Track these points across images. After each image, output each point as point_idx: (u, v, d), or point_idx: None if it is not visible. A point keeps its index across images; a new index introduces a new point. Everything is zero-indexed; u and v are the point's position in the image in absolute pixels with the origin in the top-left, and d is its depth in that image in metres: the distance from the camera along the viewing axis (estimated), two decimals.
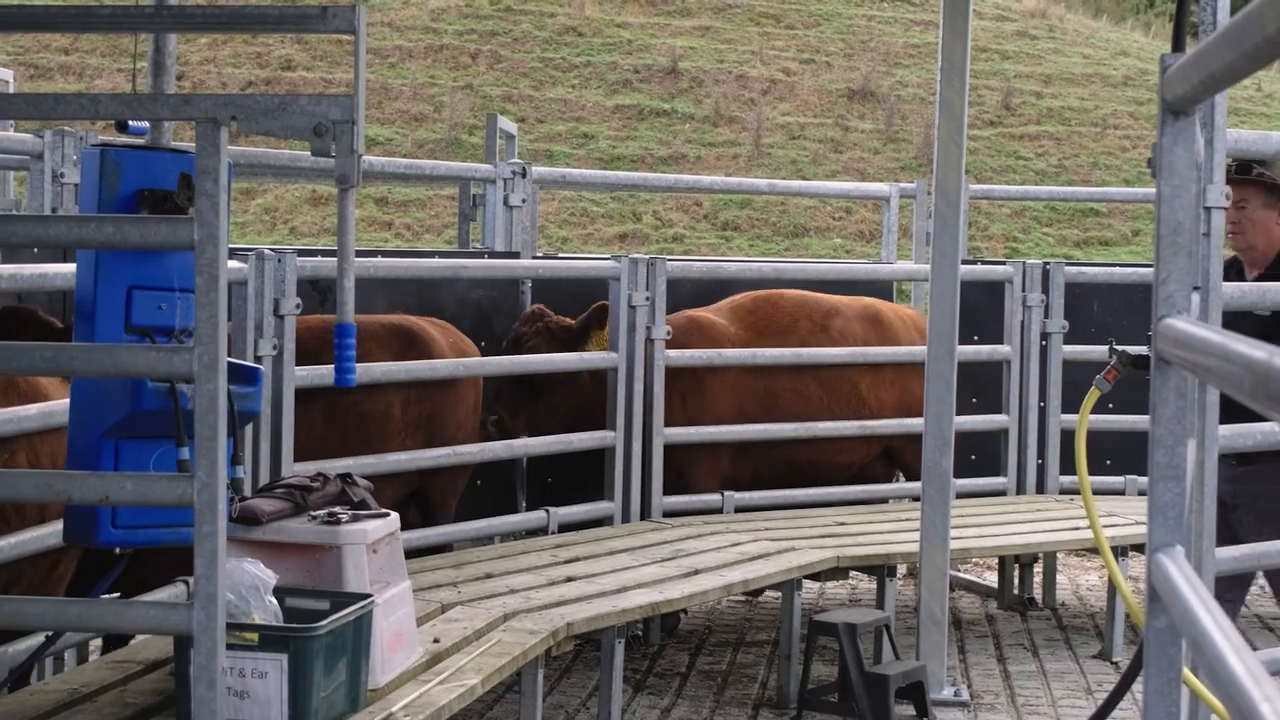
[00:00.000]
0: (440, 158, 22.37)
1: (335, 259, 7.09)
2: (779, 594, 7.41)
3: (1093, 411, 5.69)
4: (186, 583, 6.01)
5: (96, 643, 6.63)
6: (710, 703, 7.21)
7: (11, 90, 13.08)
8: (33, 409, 5.11)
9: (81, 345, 4.40)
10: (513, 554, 7.10)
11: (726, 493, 8.43)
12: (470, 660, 5.24)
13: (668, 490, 8.16)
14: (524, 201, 8.68)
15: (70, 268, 5.22)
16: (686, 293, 8.69)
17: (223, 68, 27.51)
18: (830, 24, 31.31)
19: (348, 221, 4.18)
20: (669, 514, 8.13)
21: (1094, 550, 9.14)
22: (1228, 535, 5.55)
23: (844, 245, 24.13)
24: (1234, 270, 6.06)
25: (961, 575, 9.64)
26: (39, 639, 5.05)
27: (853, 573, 8.40)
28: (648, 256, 8.09)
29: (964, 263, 7.98)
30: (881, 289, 9.58)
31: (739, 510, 8.42)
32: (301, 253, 6.77)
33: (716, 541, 7.57)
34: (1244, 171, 6.00)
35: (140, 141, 4.74)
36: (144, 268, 4.57)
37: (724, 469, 8.48)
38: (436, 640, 5.39)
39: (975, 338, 9.20)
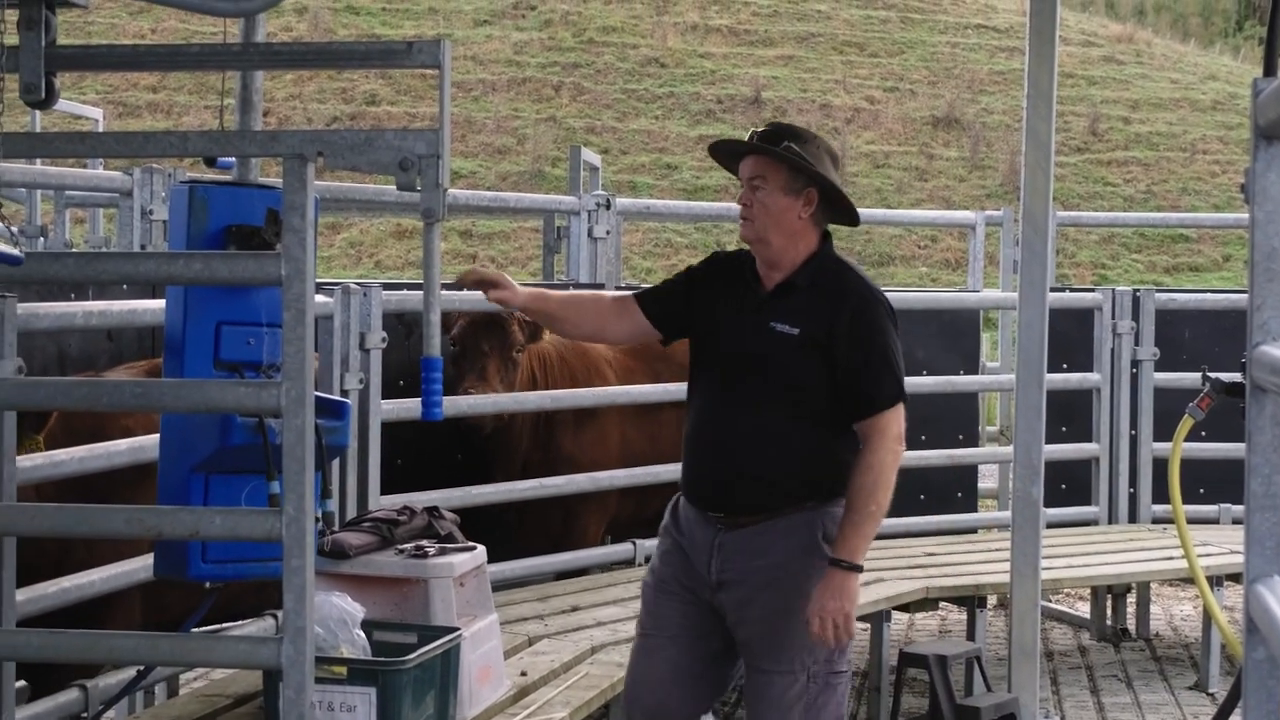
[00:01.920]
0: (523, 190, 22.47)
1: (421, 293, 7.16)
2: (866, 625, 7.36)
3: (1186, 439, 5.61)
4: (275, 616, 6.04)
5: (187, 675, 6.67)
6: None
7: (100, 128, 13.26)
8: (123, 445, 5.16)
9: (171, 381, 4.43)
10: (599, 586, 7.09)
11: None
12: (558, 693, 5.23)
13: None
14: (608, 233, 8.69)
15: (159, 304, 5.26)
16: None
17: (308, 103, 27.78)
18: (914, 51, 31.22)
19: (434, 255, 4.19)
20: None
21: (1188, 580, 9.00)
22: None
23: (929, 274, 24.03)
24: (748, 271, 4.85)
25: (1053, 606, 9.54)
26: (131, 672, 5.08)
27: (942, 603, 8.32)
28: None
29: (1052, 290, 7.91)
30: (968, 317, 9.52)
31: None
32: (387, 286, 6.80)
33: None
34: (768, 140, 4.78)
35: (227, 177, 4.78)
36: (232, 303, 4.60)
37: (611, 511, 7.78)
38: (524, 673, 5.39)
39: (1064, 366, 9.11)
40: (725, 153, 4.93)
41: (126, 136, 4.38)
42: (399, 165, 4.06)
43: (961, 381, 8.87)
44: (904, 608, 7.40)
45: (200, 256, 4.26)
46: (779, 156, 4.70)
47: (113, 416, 5.25)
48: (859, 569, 4.69)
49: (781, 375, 4.70)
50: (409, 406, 6.67)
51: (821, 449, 4.72)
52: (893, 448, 4.67)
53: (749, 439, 4.71)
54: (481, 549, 5.15)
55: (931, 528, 8.84)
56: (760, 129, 4.85)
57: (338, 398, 5.52)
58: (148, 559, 5.03)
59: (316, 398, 4.13)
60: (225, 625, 5.60)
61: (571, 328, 5.12)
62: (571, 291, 5.18)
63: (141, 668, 4.98)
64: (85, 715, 5.06)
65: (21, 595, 4.58)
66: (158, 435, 4.82)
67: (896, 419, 4.69)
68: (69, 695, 5.04)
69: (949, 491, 9.22)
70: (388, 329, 6.60)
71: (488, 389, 6.94)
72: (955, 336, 9.29)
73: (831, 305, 4.70)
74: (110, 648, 4.38)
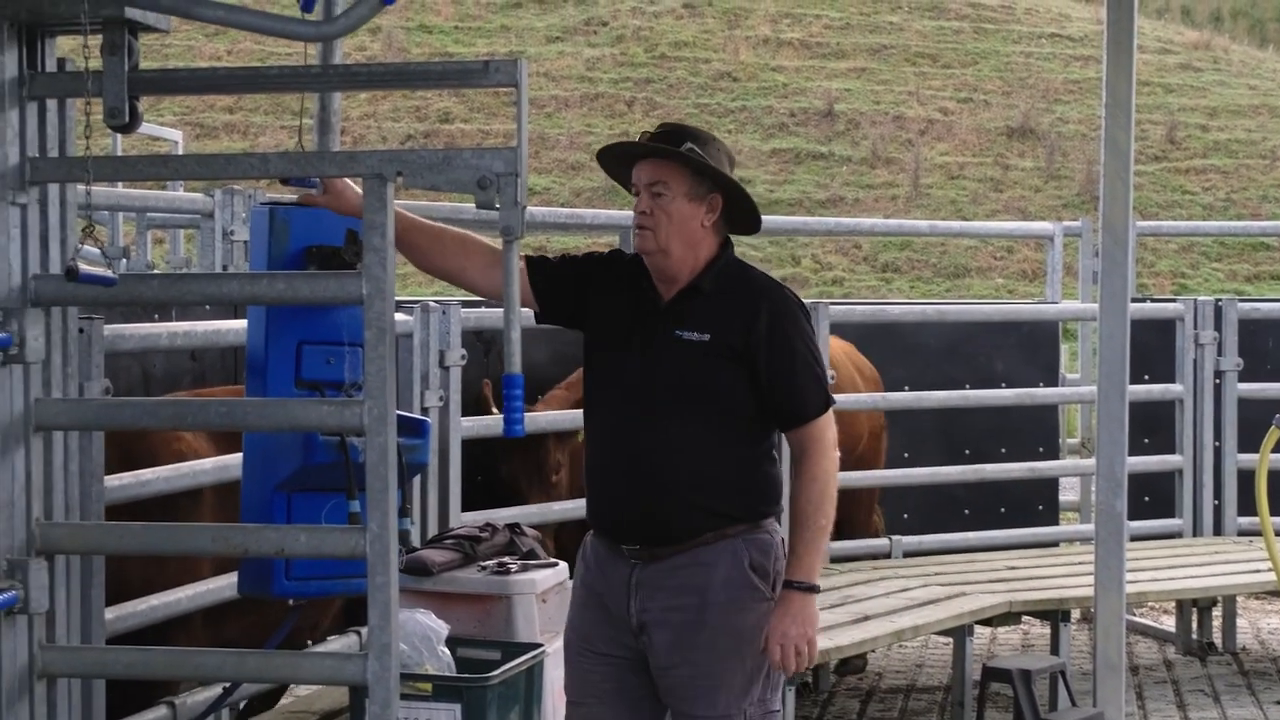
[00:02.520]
0: (597, 206, 22.52)
1: (497, 310, 7.17)
2: (949, 639, 7.32)
3: (1273, 450, 5.55)
4: (359, 633, 6.08)
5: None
6: None
7: (180, 150, 13.40)
8: (208, 463, 5.20)
9: (255, 400, 4.47)
10: None
11: (895, 537, 8.36)
12: None
13: None
14: None
15: (242, 324, 5.31)
16: (849, 337, 8.64)
17: (382, 122, 27.96)
18: (988, 62, 31.09)
19: (513, 273, 4.20)
20: (834, 560, 8.06)
21: (1275, 593, 8.92)
22: None
23: (1006, 285, 23.89)
24: (645, 279, 4.49)
25: (1138, 620, 9.45)
26: (217, 689, 5.12)
27: (1024, 617, 8.26)
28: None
29: (1133, 301, 7.85)
30: (1048, 329, 9.45)
31: (906, 555, 8.34)
32: (464, 304, 6.83)
33: (885, 587, 7.50)
34: (666, 142, 4.40)
35: (300, 193, 4.81)
36: (313, 323, 4.64)
37: None
38: None
39: (1145, 377, 9.03)
40: (615, 157, 4.56)
41: (209, 159, 4.44)
42: (478, 184, 4.07)
43: (1042, 394, 8.82)
44: (986, 622, 7.36)
45: (283, 277, 4.30)
46: (682, 159, 4.35)
47: (164, 439, 5.26)
48: (816, 589, 4.33)
49: (693, 386, 4.34)
50: (488, 423, 6.70)
51: (740, 464, 4.39)
52: (831, 455, 4.37)
53: (660, 457, 4.33)
54: (563, 565, 5.16)
55: (1012, 541, 8.79)
56: (654, 130, 4.48)
57: (418, 416, 5.55)
58: (231, 578, 5.08)
59: (398, 416, 4.15)
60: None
61: (424, 258, 4.58)
62: (447, 226, 4.75)
63: (227, 684, 5.02)
64: None
65: (110, 613, 4.63)
66: (240, 455, 4.87)
67: (829, 425, 4.39)
68: (157, 712, 5.08)
69: (1029, 504, 9.16)
70: (466, 346, 6.63)
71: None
72: (1034, 348, 9.23)
73: (744, 308, 4.37)
74: (198, 664, 4.42)
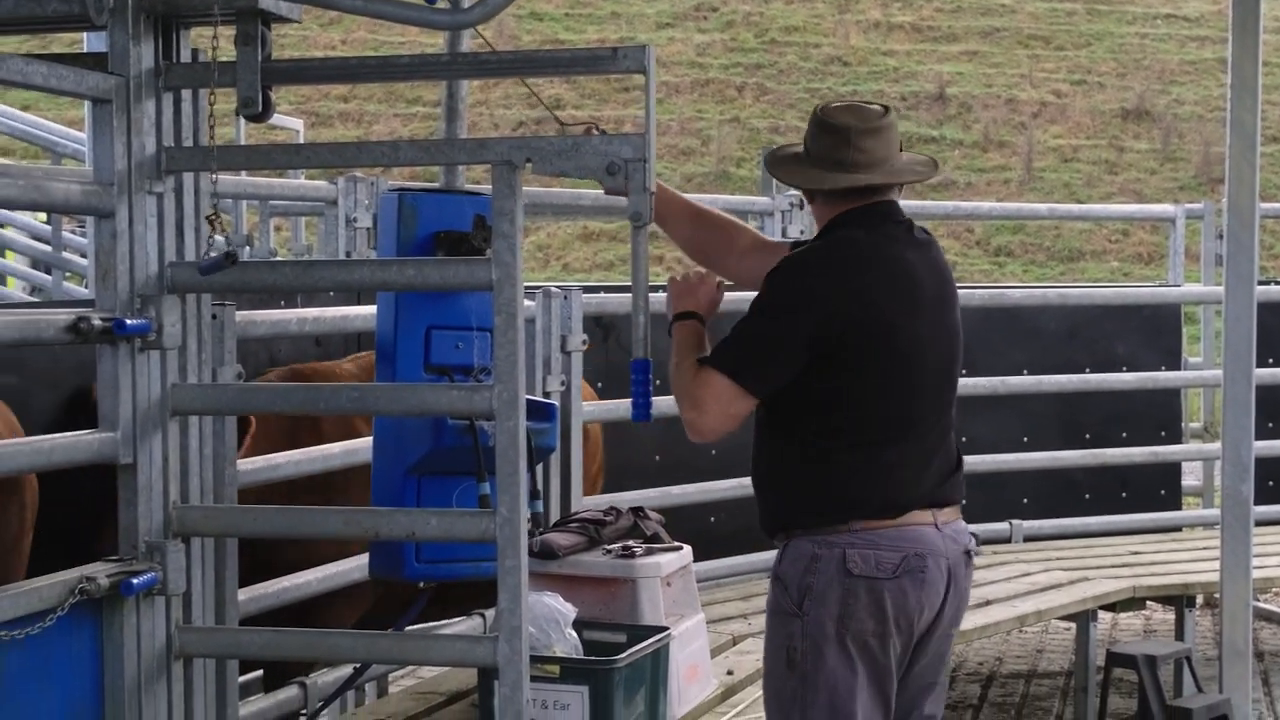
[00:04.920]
0: (708, 191, 22.51)
1: (618, 295, 7.21)
2: (1071, 624, 7.27)
3: None
4: (482, 615, 6.14)
5: (395, 673, 6.78)
6: None
7: (301, 138, 13.54)
8: (336, 448, 5.27)
9: (386, 385, 4.52)
10: None
11: (1014, 521, 8.32)
12: None
13: None
14: (802, 232, 8.67)
15: (369, 310, 5.37)
16: (967, 321, 8.57)
17: (494, 109, 28.12)
18: (1102, 43, 30.75)
19: (641, 258, 4.22)
20: None
21: None
22: None
23: (1121, 268, 23.65)
24: None
25: (1263, 605, 9.33)
26: (347, 670, 5.20)
27: (1147, 603, 8.19)
28: None
29: (1258, 283, 7.75)
30: (1170, 313, 9.35)
31: (1026, 539, 8.29)
32: (586, 289, 6.87)
33: (1006, 572, 7.47)
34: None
35: (435, 186, 4.87)
36: (441, 308, 4.69)
37: None
38: (730, 672, 5.41)
39: (1270, 360, 8.92)
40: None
41: (340, 147, 4.49)
42: (606, 170, 4.10)
43: (1164, 378, 8.73)
44: (1109, 607, 7.30)
45: (412, 263, 4.35)
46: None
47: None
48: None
49: None
50: (609, 408, 6.74)
51: (778, 463, 4.29)
52: (686, 408, 4.22)
53: (753, 452, 4.38)
54: (687, 549, 5.18)
55: (1133, 526, 8.71)
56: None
57: (546, 400, 5.59)
58: (362, 559, 5.16)
59: (526, 400, 4.19)
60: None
61: (687, 239, 4.70)
62: (711, 209, 4.77)
63: (357, 666, 5.09)
64: (304, 712, 5.19)
65: (243, 595, 4.71)
66: (369, 439, 4.94)
67: (707, 383, 4.19)
68: (289, 692, 5.17)
69: (1151, 489, 9.07)
70: (587, 331, 6.67)
71: None
72: (1156, 332, 9.13)
73: None
74: (331, 646, 4.48)
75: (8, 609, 3.74)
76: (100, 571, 4.05)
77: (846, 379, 4.14)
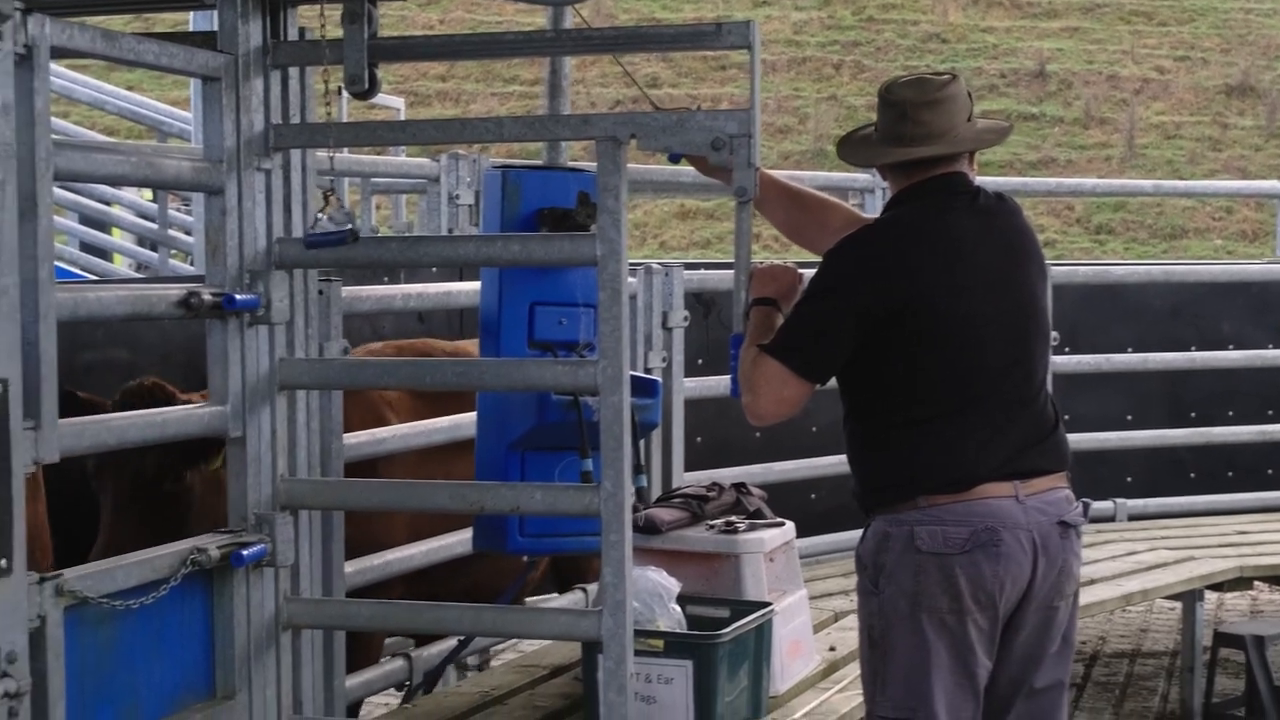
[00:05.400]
0: (805, 169, 22.41)
1: (719, 271, 7.21)
2: (1176, 604, 7.21)
3: None
4: (584, 589, 6.16)
5: (497, 647, 6.82)
6: (1109, 715, 7.06)
7: (402, 116, 13.62)
8: (443, 422, 5.31)
9: (491, 360, 4.55)
10: None
11: (1118, 500, 8.25)
12: None
13: None
14: None
15: (471, 286, 5.41)
16: (1071, 299, 8.52)
17: (591, 88, 28.11)
18: (1205, 19, 30.31)
19: (745, 234, 4.22)
20: None
21: None
22: None
23: (1225, 246, 23.33)
24: None
25: None
26: (451, 643, 5.24)
27: (1254, 583, 8.10)
28: None
29: None
30: (1276, 290, 9.21)
31: (1131, 518, 8.23)
32: (687, 266, 6.87)
33: (1110, 550, 7.40)
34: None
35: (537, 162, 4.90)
36: (545, 284, 4.71)
37: None
38: (832, 648, 5.40)
39: None
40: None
41: (445, 124, 4.53)
42: (711, 145, 4.10)
43: (1272, 355, 8.61)
44: (1216, 586, 7.23)
45: (518, 238, 4.37)
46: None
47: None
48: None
49: None
50: (710, 384, 6.75)
51: (855, 439, 4.30)
52: (746, 372, 4.23)
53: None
54: (790, 524, 5.18)
55: (1240, 505, 8.61)
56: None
57: (649, 376, 5.60)
58: (465, 534, 5.19)
59: (630, 376, 4.20)
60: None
61: (784, 219, 4.69)
62: (807, 189, 4.77)
63: (461, 639, 5.13)
64: (409, 684, 5.24)
65: (350, 567, 4.75)
66: (474, 414, 4.97)
67: (763, 363, 4.19)
68: (395, 664, 5.22)
69: (1258, 468, 8.96)
70: (687, 308, 6.68)
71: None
72: (1263, 309, 9.01)
73: None
74: (436, 618, 4.52)
75: (122, 578, 3.80)
76: (211, 543, 4.10)
77: (901, 357, 4.12)
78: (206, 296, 4.14)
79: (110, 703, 3.82)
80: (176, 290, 4.14)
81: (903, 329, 4.10)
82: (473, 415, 5.10)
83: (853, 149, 4.47)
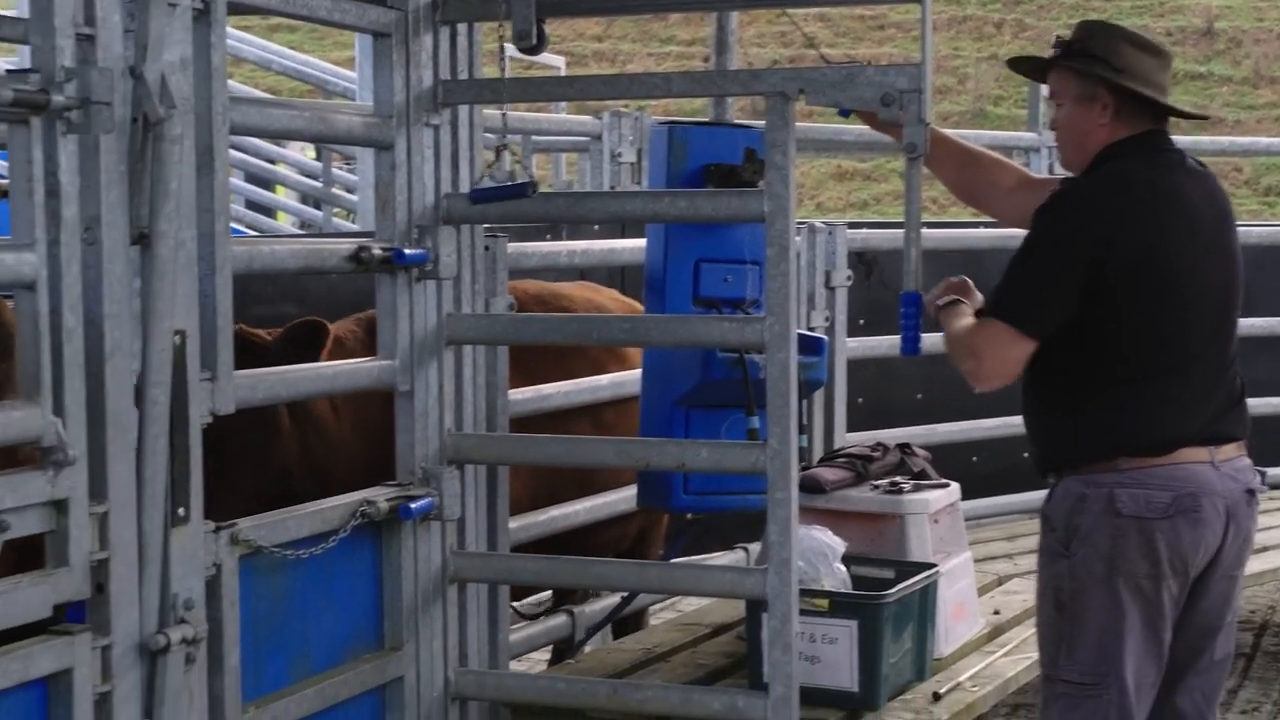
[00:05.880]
0: (964, 128, 22.15)
1: (882, 231, 7.15)
2: None
3: None
4: (745, 549, 6.16)
5: (655, 606, 6.82)
6: None
7: (563, 74, 13.65)
8: (605, 380, 5.32)
9: (658, 317, 4.55)
10: None
11: None
12: (1033, 633, 5.15)
13: None
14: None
15: (634, 243, 5.41)
16: (1243, 261, 8.30)
17: (748, 48, 27.98)
18: None
19: (915, 191, 4.17)
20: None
21: None
22: None
23: None
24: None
25: None
26: (614, 599, 5.26)
27: None
28: None
29: None
30: None
31: None
32: (851, 225, 6.81)
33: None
34: (1066, 49, 4.21)
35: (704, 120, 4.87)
36: (710, 241, 4.71)
37: None
38: (996, 612, 5.35)
39: None
40: (1027, 72, 4.60)
41: (613, 80, 4.53)
42: (881, 100, 4.05)
43: None
44: None
45: (685, 195, 4.36)
46: (1066, 67, 4.17)
47: None
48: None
49: None
50: (872, 344, 6.70)
51: (1040, 398, 4.19)
52: (964, 354, 4.13)
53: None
54: (955, 486, 5.13)
55: None
56: (1065, 37, 4.25)
57: (815, 334, 5.57)
58: (626, 491, 5.20)
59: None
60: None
61: (956, 176, 4.61)
62: (978, 148, 4.67)
63: (624, 595, 5.15)
64: (573, 639, 5.27)
65: (514, 523, 4.78)
66: (638, 370, 4.98)
67: (985, 329, 4.10)
68: (557, 620, 5.26)
69: None
70: (849, 267, 6.63)
71: None
72: None
73: None
74: (600, 574, 4.54)
75: (294, 528, 3.85)
76: (380, 495, 4.15)
77: (1118, 313, 4.02)
78: (376, 251, 4.18)
79: (282, 651, 3.89)
80: (347, 245, 4.19)
81: (1128, 284, 3.99)
82: (633, 372, 5.11)
83: (1139, 81, 4.16)
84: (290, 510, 3.91)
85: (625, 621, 5.44)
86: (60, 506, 3.11)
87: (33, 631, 3.10)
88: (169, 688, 3.31)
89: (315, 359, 4.31)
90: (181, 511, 3.40)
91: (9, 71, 3.14)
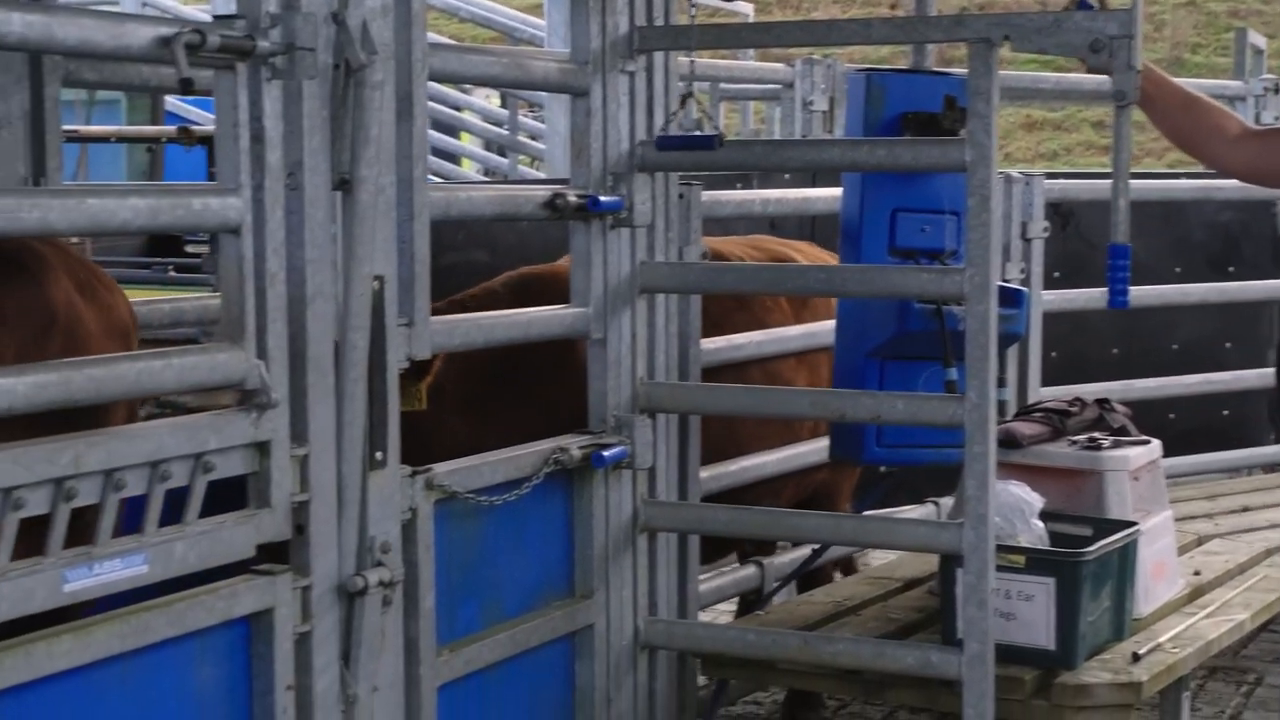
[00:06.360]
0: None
1: (1080, 181, 7.00)
2: None
3: None
4: (935, 503, 6.08)
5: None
6: None
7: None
8: (795, 330, 5.27)
9: (854, 267, 4.48)
10: (1270, 487, 6.80)
11: None
12: (1236, 594, 5.03)
13: None
14: (1276, 118, 8.25)
15: (828, 192, 5.34)
16: None
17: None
18: None
19: (1124, 139, 4.06)
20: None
21: None
22: None
23: None
24: None
25: None
26: (804, 551, 5.22)
27: None
28: None
29: None
30: None
31: None
32: (1048, 176, 6.66)
33: None
34: None
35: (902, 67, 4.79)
36: (907, 191, 4.62)
37: None
38: (1197, 572, 5.21)
39: None
40: None
41: (810, 26, 4.46)
42: (1089, 47, 3.95)
43: None
44: None
45: (884, 143, 4.28)
46: None
47: None
48: None
49: None
50: (1069, 297, 6.57)
51: None
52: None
53: None
54: (1156, 443, 5.00)
55: None
56: None
57: (1015, 286, 5.46)
58: (816, 443, 5.15)
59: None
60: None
61: (1172, 124, 4.47)
62: (1198, 95, 4.54)
63: (815, 548, 5.10)
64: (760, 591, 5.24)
65: (705, 473, 4.76)
66: (830, 322, 4.92)
67: None
68: (746, 571, 5.23)
69: None
70: (1045, 219, 6.49)
71: None
72: None
73: None
74: (793, 525, 4.50)
75: (488, 474, 3.86)
76: (573, 443, 4.14)
77: None
78: (571, 198, 4.16)
79: (475, 596, 3.90)
80: (542, 192, 4.18)
81: None
82: (824, 323, 5.06)
83: None
84: (484, 456, 3.92)
85: (812, 575, 5.39)
86: (263, 449, 3.14)
87: (233, 572, 3.14)
88: (366, 629, 3.34)
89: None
90: (379, 455, 3.42)
91: (215, 18, 3.16)
